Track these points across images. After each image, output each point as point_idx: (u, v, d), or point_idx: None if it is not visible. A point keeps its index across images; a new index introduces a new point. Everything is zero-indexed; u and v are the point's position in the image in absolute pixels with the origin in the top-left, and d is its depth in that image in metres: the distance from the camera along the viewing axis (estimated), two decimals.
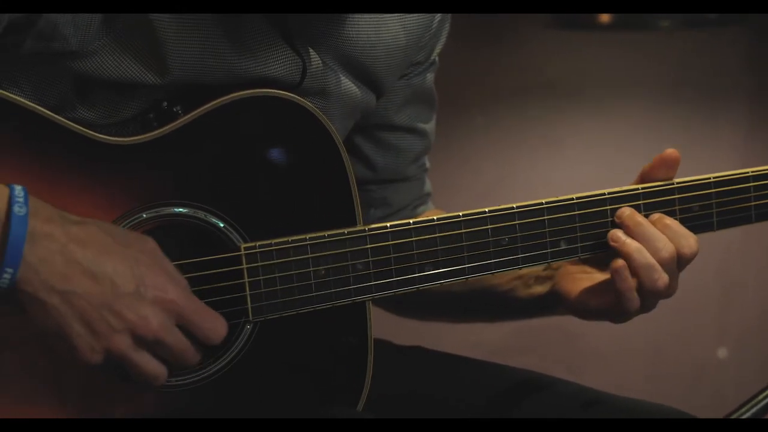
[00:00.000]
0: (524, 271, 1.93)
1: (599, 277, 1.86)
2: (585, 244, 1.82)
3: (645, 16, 3.17)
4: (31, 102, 1.64)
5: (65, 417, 1.65)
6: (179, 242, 1.69)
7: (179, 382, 1.69)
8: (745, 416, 1.87)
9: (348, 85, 1.86)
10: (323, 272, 1.73)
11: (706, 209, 1.86)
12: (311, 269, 1.73)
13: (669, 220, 1.82)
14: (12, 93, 1.64)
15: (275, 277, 1.71)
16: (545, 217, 1.80)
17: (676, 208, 1.84)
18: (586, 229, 1.82)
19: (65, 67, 1.67)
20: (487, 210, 1.78)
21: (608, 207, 1.82)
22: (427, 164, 2.08)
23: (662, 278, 1.79)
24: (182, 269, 1.67)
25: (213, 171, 1.70)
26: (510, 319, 2.03)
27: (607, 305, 1.83)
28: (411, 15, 1.89)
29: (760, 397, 1.89)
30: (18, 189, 1.55)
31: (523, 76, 3.41)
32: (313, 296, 1.73)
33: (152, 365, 1.62)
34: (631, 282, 1.79)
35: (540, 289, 1.94)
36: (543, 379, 2.00)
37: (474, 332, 3.04)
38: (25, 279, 1.54)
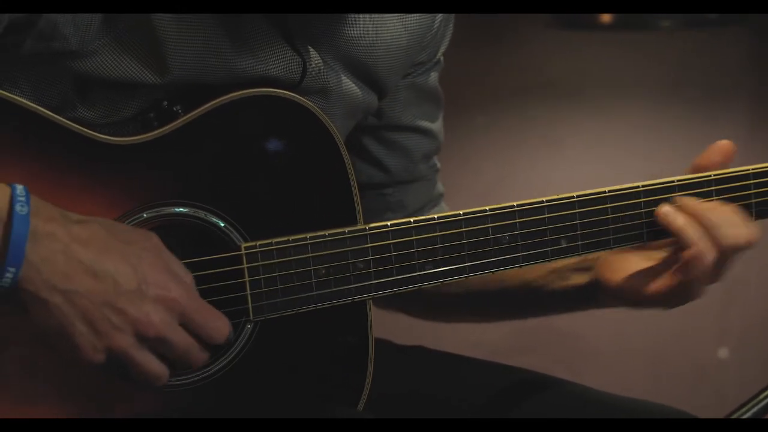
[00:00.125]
0: (559, 264, 1.92)
1: (646, 263, 1.85)
2: (586, 242, 1.82)
3: (645, 16, 3.18)
4: (31, 102, 1.64)
5: (66, 417, 1.65)
6: (180, 242, 1.69)
7: (180, 382, 1.69)
8: (746, 416, 1.87)
9: (349, 85, 1.86)
10: (324, 271, 1.73)
11: None
12: (312, 268, 1.72)
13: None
14: (12, 93, 1.64)
15: (276, 276, 1.71)
16: (546, 216, 1.80)
17: None
18: (586, 226, 1.82)
19: (65, 67, 1.67)
20: (487, 208, 1.78)
21: (609, 205, 1.82)
22: (438, 165, 2.08)
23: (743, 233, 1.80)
24: None
25: (213, 170, 1.70)
26: (545, 314, 2.02)
27: (664, 289, 1.82)
28: (412, 15, 1.89)
29: (761, 396, 1.89)
30: (20, 188, 1.55)
31: (524, 76, 3.41)
32: (314, 295, 1.73)
33: (154, 365, 1.61)
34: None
35: (578, 280, 1.92)
36: (543, 379, 2.00)
37: (474, 332, 3.04)
38: (27, 278, 1.54)
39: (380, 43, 1.87)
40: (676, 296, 1.82)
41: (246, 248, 1.70)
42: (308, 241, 1.72)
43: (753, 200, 1.86)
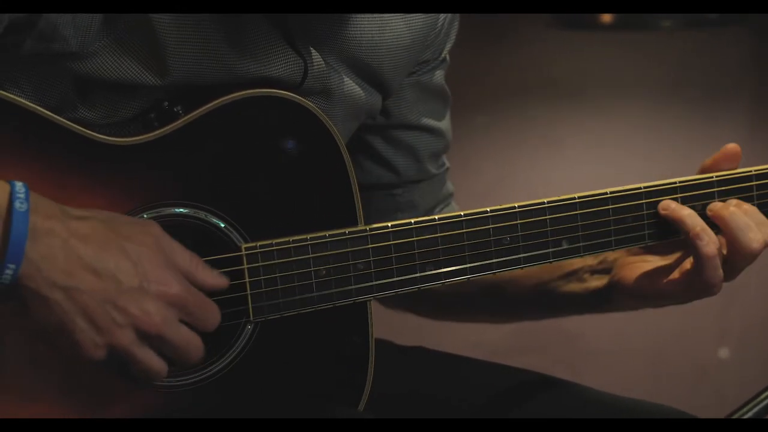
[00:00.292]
0: (576, 264, 1.94)
1: (663, 261, 1.87)
2: (587, 243, 1.82)
3: (646, 16, 3.18)
4: (31, 102, 1.64)
5: (67, 415, 1.65)
6: (180, 242, 1.69)
7: (181, 382, 1.69)
8: (746, 416, 1.87)
9: (351, 86, 1.86)
10: (324, 272, 1.73)
11: None
12: (312, 269, 1.72)
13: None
14: (12, 93, 1.64)
15: (276, 277, 1.71)
16: (547, 217, 1.80)
17: None
18: (587, 228, 1.82)
19: (66, 68, 1.67)
20: (488, 209, 1.78)
21: (610, 206, 1.82)
22: (447, 164, 2.07)
23: (757, 238, 1.80)
24: None
25: (214, 171, 1.70)
26: (556, 316, 2.03)
27: (682, 284, 1.83)
28: (414, 14, 1.89)
29: (762, 397, 1.89)
30: (19, 185, 1.54)
31: (524, 75, 3.41)
32: (314, 296, 1.73)
33: (154, 361, 1.62)
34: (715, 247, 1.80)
35: (597, 282, 1.93)
36: (543, 379, 2.00)
37: (474, 332, 3.04)
38: (27, 275, 1.54)
39: (383, 43, 1.87)
40: (693, 290, 1.83)
41: (246, 249, 1.70)
42: (309, 242, 1.72)
43: (755, 202, 1.86)
